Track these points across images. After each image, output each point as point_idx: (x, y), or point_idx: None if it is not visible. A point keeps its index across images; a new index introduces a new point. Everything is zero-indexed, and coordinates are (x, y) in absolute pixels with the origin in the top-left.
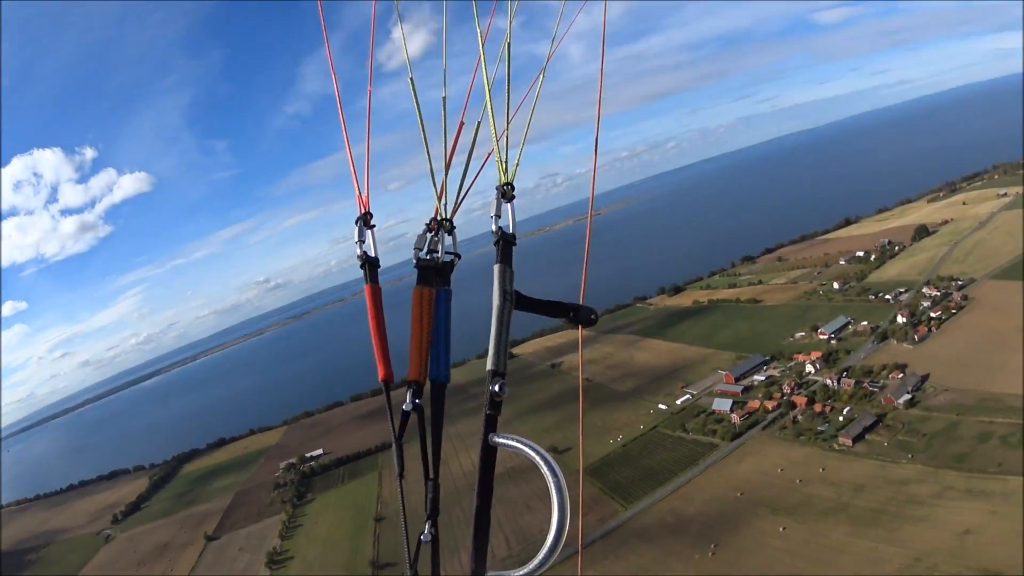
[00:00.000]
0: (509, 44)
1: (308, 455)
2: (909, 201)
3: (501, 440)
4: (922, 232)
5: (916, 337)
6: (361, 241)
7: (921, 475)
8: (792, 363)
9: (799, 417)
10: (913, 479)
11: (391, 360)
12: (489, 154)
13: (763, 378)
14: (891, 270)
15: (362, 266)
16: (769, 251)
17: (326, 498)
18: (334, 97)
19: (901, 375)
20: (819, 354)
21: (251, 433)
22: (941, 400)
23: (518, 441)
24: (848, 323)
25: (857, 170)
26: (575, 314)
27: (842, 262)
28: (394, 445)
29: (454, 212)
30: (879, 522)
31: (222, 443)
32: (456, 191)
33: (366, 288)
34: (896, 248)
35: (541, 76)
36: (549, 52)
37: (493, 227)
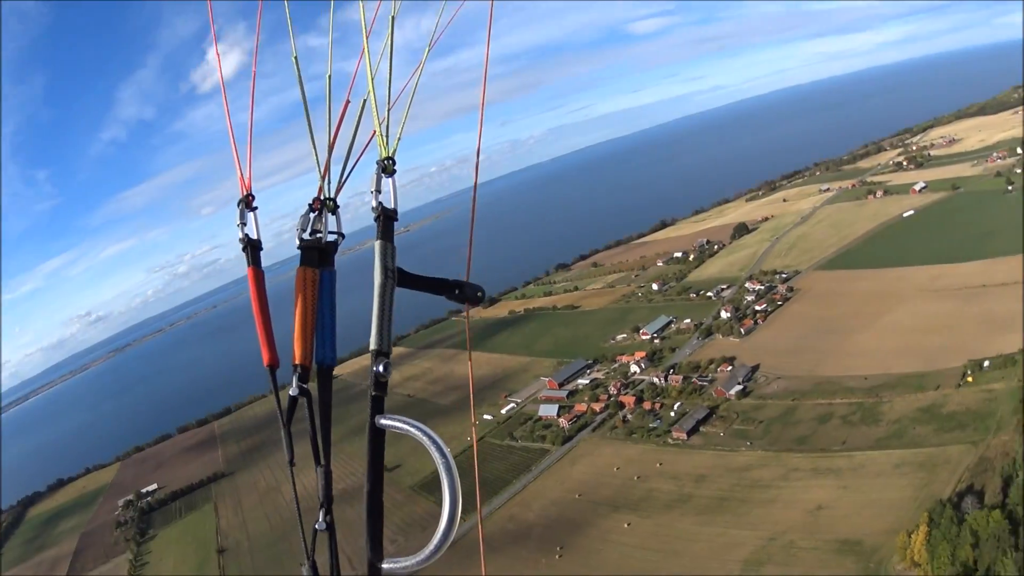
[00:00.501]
0: (393, 19)
1: (144, 491)
2: (727, 201)
3: (388, 422)
4: (742, 230)
5: (742, 330)
6: (243, 223)
7: (763, 460)
8: (616, 364)
9: (629, 416)
10: (755, 464)
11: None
12: (373, 134)
13: (587, 381)
14: (711, 268)
15: (244, 249)
16: (583, 257)
17: (167, 533)
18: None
19: (730, 367)
20: (643, 354)
21: (87, 472)
22: (774, 388)
23: (405, 422)
24: (670, 322)
25: (673, 174)
26: (460, 291)
27: (660, 264)
28: (283, 431)
29: (338, 191)
30: (726, 508)
31: (61, 484)
32: (340, 170)
33: (249, 271)
34: (715, 247)
35: (428, 49)
36: (435, 29)
37: (373, 203)
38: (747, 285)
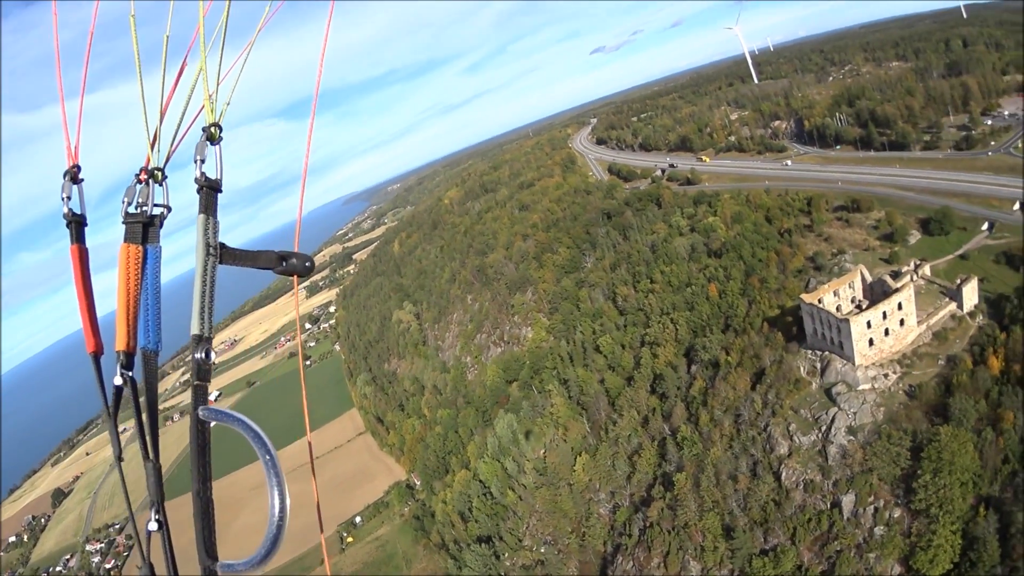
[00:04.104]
0: None
1: None
2: (35, 472)
3: (212, 413)
4: (59, 495)
5: None
6: (67, 197)
7: None
8: None
9: None
10: None
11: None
12: (210, 95)
13: None
14: (49, 543)
15: (68, 225)
16: None
17: None
18: None
19: None
20: None
21: None
22: None
23: (228, 415)
24: None
25: None
26: (287, 263)
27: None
28: (109, 424)
29: (167, 160)
30: None
31: None
32: (171, 140)
33: (72, 249)
34: (43, 520)
35: (267, 10)
36: None
37: (196, 172)
38: (88, 548)
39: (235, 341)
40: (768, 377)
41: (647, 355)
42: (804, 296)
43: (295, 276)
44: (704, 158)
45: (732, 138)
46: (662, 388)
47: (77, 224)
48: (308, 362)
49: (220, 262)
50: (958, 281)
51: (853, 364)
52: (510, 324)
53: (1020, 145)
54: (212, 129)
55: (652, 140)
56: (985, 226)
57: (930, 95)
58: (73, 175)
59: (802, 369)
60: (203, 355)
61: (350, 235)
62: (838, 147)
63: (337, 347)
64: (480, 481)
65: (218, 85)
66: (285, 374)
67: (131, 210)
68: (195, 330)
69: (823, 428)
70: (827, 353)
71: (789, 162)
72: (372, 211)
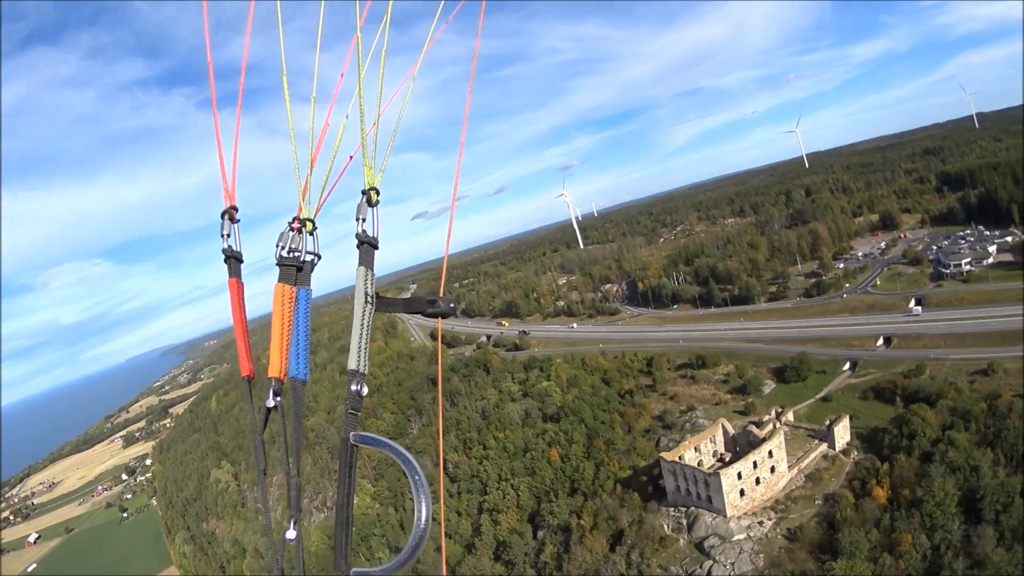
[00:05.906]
0: (385, 50)
1: None
2: None
3: (362, 438)
4: None
5: None
6: (227, 235)
7: None
8: None
9: None
10: None
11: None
12: (352, 156)
13: None
14: None
15: (226, 260)
16: None
17: None
18: None
19: None
20: None
21: None
22: None
23: (378, 440)
24: None
25: None
26: (433, 307)
27: None
28: (256, 441)
29: (316, 212)
30: None
31: None
32: (319, 192)
33: (231, 283)
34: None
35: (412, 82)
36: (424, 49)
37: (358, 229)
38: None
39: (52, 484)
40: (628, 538)
41: (487, 522)
42: (664, 454)
43: (439, 318)
44: (504, 323)
45: (561, 303)
46: (508, 555)
47: (235, 260)
48: (125, 514)
49: (376, 309)
50: (828, 422)
51: (724, 516)
52: (333, 490)
53: (878, 283)
54: (371, 193)
55: (476, 306)
56: (847, 366)
57: (774, 247)
58: (231, 215)
59: (666, 527)
60: (358, 387)
61: (167, 388)
62: (675, 306)
63: (154, 502)
64: None
65: (375, 153)
66: (102, 524)
67: (284, 254)
68: (352, 365)
69: None
70: (693, 508)
71: (575, 325)
72: (189, 365)
